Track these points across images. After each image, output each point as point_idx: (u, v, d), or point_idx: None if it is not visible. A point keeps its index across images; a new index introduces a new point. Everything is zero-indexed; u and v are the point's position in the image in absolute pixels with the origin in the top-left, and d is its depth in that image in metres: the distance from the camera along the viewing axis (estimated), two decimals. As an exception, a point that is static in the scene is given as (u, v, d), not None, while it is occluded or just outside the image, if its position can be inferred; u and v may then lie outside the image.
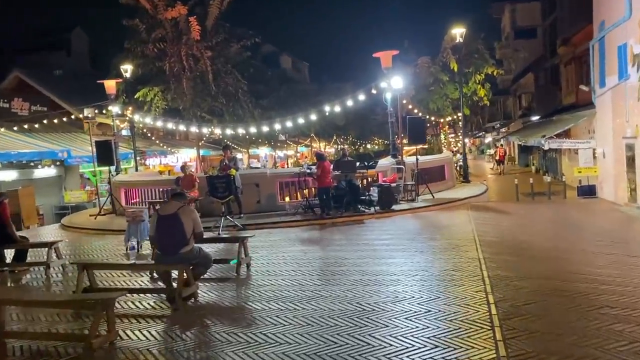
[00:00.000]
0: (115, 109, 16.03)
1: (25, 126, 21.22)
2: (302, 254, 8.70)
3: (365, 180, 13.47)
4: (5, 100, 19.84)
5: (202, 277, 6.69)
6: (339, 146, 62.03)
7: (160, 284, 6.70)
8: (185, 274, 6.04)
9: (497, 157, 38.12)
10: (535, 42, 43.45)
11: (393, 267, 7.26)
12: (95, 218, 15.13)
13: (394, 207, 12.67)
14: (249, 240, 8.02)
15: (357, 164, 12.63)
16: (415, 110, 21.60)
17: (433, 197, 14.07)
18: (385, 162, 14.18)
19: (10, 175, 20.44)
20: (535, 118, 38.20)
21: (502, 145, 43.93)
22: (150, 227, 6.41)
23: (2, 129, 19.72)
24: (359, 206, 12.57)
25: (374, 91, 14.48)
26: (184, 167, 13.75)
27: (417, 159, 14.04)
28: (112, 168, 15.75)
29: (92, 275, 6.57)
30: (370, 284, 6.45)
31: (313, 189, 13.15)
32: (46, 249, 8.48)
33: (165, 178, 15.85)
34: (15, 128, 20.54)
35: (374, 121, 70.06)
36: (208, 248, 7.79)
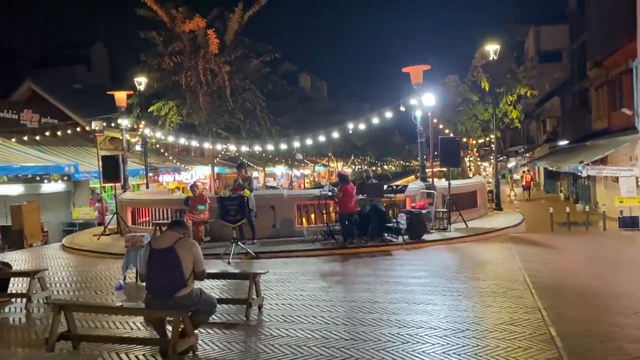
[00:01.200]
0: (125, 122, 15.05)
1: (37, 138, 20.48)
2: (324, 293, 7.44)
3: (393, 206, 12.19)
4: (14, 112, 19.05)
5: (203, 324, 5.48)
6: (356, 166, 60.91)
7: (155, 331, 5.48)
8: (181, 324, 4.84)
9: (524, 183, 36.63)
10: (559, 65, 42.19)
11: (435, 318, 5.96)
12: (98, 238, 14.04)
13: (425, 236, 11.37)
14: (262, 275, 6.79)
15: (385, 186, 11.38)
16: (447, 131, 20.32)
17: (467, 226, 12.73)
18: (414, 185, 12.91)
19: (16, 189, 19.57)
20: (563, 143, 36.67)
21: (528, 170, 42.43)
22: (142, 262, 5.23)
23: (11, 140, 18.90)
24: (386, 235, 11.31)
25: (402, 108, 13.31)
26: (194, 187, 12.63)
27: (449, 184, 12.75)
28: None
29: (70, 319, 5.38)
30: (411, 342, 5.17)
31: (334, 213, 11.90)
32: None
33: (175, 197, 14.79)
34: (25, 139, 19.75)
35: (392, 142, 69.11)
36: (213, 284, 6.60)
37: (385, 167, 67.97)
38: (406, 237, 11.17)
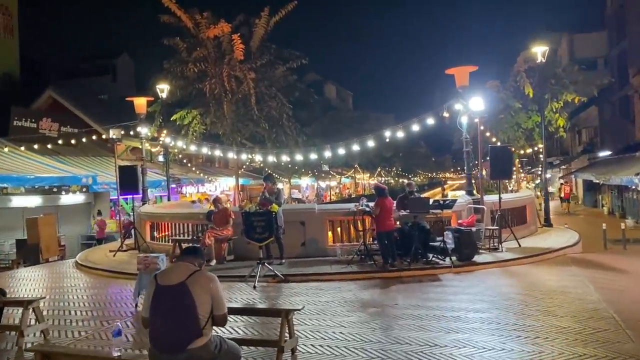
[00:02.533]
0: (144, 130, 14.11)
1: (57, 147, 19.76)
2: (369, 330, 6.18)
3: (439, 223, 10.85)
4: (33, 120, 18.33)
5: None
6: (383, 178, 59.47)
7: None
8: (195, 385, 3.66)
9: (562, 195, 34.83)
10: (595, 73, 40.44)
11: (519, 372, 4.65)
12: (114, 255, 13.04)
13: (475, 258, 10.02)
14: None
15: (430, 201, 10.08)
16: (494, 139, 18.93)
17: (519, 245, 11.32)
18: (461, 200, 11.56)
19: (33, 201, 18.85)
20: (604, 154, 34.76)
21: (566, 181, 40.55)
22: (143, 303, 4.06)
23: (29, 149, 18.18)
24: (431, 256, 9.99)
25: (445, 114, 12.02)
26: (216, 201, 11.53)
27: (499, 198, 11.37)
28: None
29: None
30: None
31: (373, 230, 10.63)
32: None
33: (196, 211, 13.69)
34: (45, 146, 18.99)
35: (418, 153, 67.53)
36: (237, 319, 5.37)
37: (413, 178, 66.37)
38: (454, 258, 9.84)
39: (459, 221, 10.98)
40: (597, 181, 25.95)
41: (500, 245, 11.04)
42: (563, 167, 44.73)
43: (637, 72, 30.45)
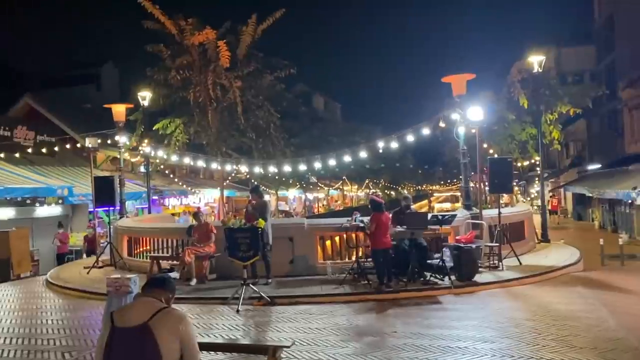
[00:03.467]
0: (123, 138, 13.32)
1: (32, 157, 18.81)
2: (367, 365, 5.45)
3: (437, 240, 10.17)
4: (7, 128, 17.39)
5: None
6: (370, 190, 58.88)
7: None
8: None
9: (550, 207, 34.59)
10: (586, 86, 40.55)
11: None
12: (88, 272, 12.15)
13: (476, 277, 9.36)
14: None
15: (429, 216, 9.42)
16: (491, 151, 18.39)
17: (520, 263, 10.69)
18: (459, 215, 10.90)
19: (6, 213, 17.82)
20: (593, 167, 34.60)
21: (553, 194, 40.31)
22: (96, 348, 3.29)
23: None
24: (428, 275, 9.30)
25: (442, 124, 11.42)
26: (197, 214, 10.75)
27: (499, 213, 10.75)
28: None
29: None
30: None
31: (367, 247, 9.93)
32: None
33: (174, 226, 12.92)
34: (17, 156, 18.01)
35: (406, 166, 67.21)
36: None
37: (401, 191, 65.87)
38: (453, 277, 9.17)
39: (457, 237, 10.31)
40: (590, 195, 25.59)
41: (500, 263, 10.39)
42: (552, 180, 44.57)
43: (627, 85, 30.32)
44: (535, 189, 50.51)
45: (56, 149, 18.88)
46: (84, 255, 17.40)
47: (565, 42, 43.38)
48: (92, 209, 20.49)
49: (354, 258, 9.99)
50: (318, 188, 45.99)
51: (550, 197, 37.68)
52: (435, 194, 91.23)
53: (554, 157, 47.46)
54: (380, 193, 59.50)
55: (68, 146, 18.00)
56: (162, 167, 21.25)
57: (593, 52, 41.35)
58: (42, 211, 19.25)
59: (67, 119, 22.68)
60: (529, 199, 45.13)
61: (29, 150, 19.28)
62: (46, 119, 21.55)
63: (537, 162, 17.39)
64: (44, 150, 18.60)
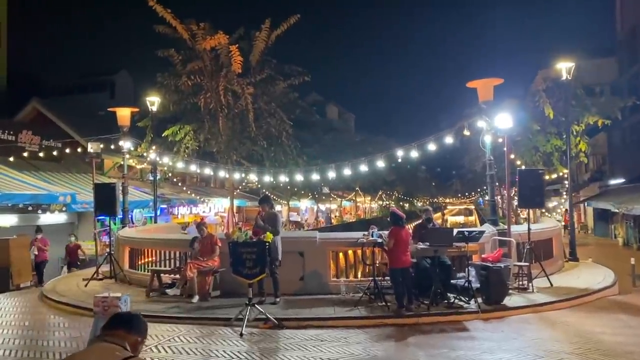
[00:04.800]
0: (127, 144, 12.67)
1: (36, 163, 18.27)
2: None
3: (462, 259, 9.29)
4: (11, 132, 16.88)
5: None
6: (384, 202, 57.90)
7: None
8: None
9: (563, 222, 33.57)
10: (603, 100, 39.64)
11: None
12: (86, 285, 11.45)
13: (505, 300, 8.47)
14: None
15: (454, 232, 8.56)
16: (518, 162, 17.48)
17: (551, 284, 9.78)
18: (484, 230, 10.02)
19: (9, 220, 17.30)
20: (616, 182, 33.42)
21: (566, 209, 39.39)
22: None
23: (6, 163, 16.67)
24: (452, 297, 8.44)
25: (466, 132, 10.59)
26: (200, 225, 10.01)
27: (529, 229, 9.86)
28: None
29: None
30: None
31: (384, 265, 9.10)
32: None
33: (176, 237, 12.20)
34: (11, 160, 17.35)
35: (419, 178, 66.20)
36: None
37: (415, 203, 64.85)
38: (479, 300, 8.30)
39: (483, 256, 9.43)
40: (617, 210, 24.44)
41: (530, 285, 9.50)
42: (573, 194, 43.30)
43: (653, 97, 29.29)
44: (552, 203, 49.34)
45: (57, 153, 18.30)
46: (64, 269, 16.32)
47: (585, 54, 42.57)
48: (100, 217, 19.96)
49: (369, 276, 9.14)
50: (331, 199, 45.19)
51: (565, 211, 36.56)
52: (449, 207, 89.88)
53: (571, 171, 46.28)
54: (394, 205, 58.55)
55: (68, 150, 17.43)
56: (170, 175, 20.64)
57: (614, 64, 40.38)
58: (47, 218, 18.70)
59: (76, 125, 22.19)
60: (547, 214, 44.03)
61: (38, 156, 18.83)
62: (53, 124, 21.09)
63: (563, 176, 16.40)
64: (49, 154, 18.06)
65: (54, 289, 11.30)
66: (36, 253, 15.32)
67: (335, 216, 50.25)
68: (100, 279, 11.95)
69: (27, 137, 17.80)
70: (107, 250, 14.58)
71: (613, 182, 34.24)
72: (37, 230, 15.85)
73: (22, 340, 7.54)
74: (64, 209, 16.69)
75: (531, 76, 23.80)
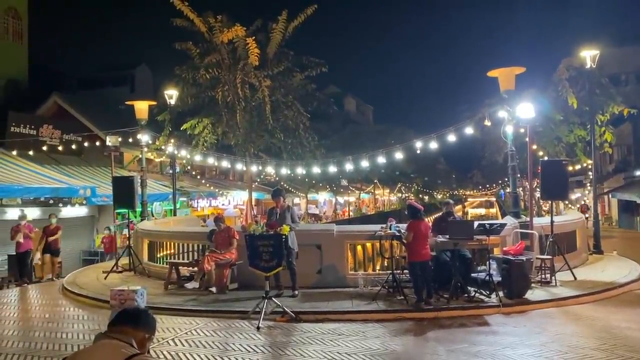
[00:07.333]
0: (145, 137, 12.71)
1: (57, 157, 18.49)
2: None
3: (484, 252, 9.10)
4: (33, 127, 17.08)
5: None
6: (403, 194, 57.47)
7: None
8: None
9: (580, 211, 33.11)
10: (627, 89, 38.87)
11: None
12: (105, 277, 11.57)
13: (527, 294, 8.28)
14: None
15: (475, 225, 8.39)
16: (541, 153, 17.13)
17: (575, 278, 9.55)
18: (505, 223, 9.80)
19: (31, 213, 17.50)
20: (644, 172, 32.67)
21: (585, 201, 38.79)
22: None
23: (14, 153, 16.82)
24: (472, 290, 8.28)
25: (487, 122, 10.36)
26: (217, 219, 9.99)
27: (552, 221, 9.62)
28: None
29: None
30: None
31: (403, 258, 8.97)
32: None
33: (194, 230, 12.21)
34: (31, 154, 17.54)
35: (438, 170, 65.55)
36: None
37: (435, 195, 64.25)
38: (501, 294, 8.13)
39: (504, 249, 9.23)
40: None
41: (553, 278, 9.27)
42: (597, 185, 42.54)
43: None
44: (576, 195, 48.47)
45: (77, 147, 18.47)
46: (37, 254, 14.08)
47: (610, 42, 41.71)
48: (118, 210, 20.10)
49: (387, 269, 9.03)
50: (349, 191, 45.02)
51: (582, 203, 35.98)
52: (469, 199, 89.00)
53: (596, 162, 45.42)
54: (413, 197, 58.12)
55: (88, 144, 17.59)
56: (189, 168, 20.73)
57: (636, 53, 39.52)
58: (68, 211, 18.94)
59: (97, 119, 22.41)
60: (570, 206, 43.32)
61: (58, 149, 19.07)
62: (74, 118, 21.31)
63: (586, 167, 15.99)
64: (70, 148, 18.26)
65: (74, 282, 11.43)
66: (21, 241, 13.27)
67: (355, 208, 50.07)
68: (120, 272, 12.05)
69: (48, 131, 18.02)
70: (127, 243, 14.72)
71: (639, 173, 33.47)
72: (21, 217, 13.87)
73: (43, 332, 7.60)
74: (84, 202, 16.85)
75: (554, 65, 23.28)
